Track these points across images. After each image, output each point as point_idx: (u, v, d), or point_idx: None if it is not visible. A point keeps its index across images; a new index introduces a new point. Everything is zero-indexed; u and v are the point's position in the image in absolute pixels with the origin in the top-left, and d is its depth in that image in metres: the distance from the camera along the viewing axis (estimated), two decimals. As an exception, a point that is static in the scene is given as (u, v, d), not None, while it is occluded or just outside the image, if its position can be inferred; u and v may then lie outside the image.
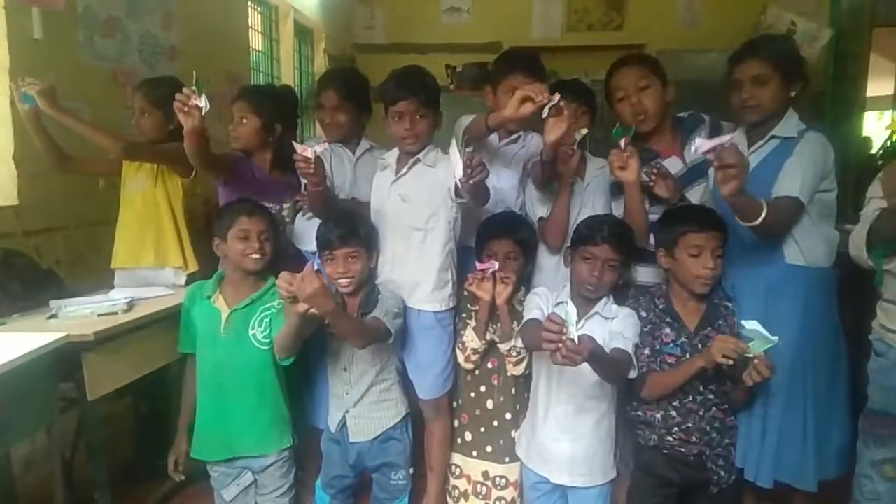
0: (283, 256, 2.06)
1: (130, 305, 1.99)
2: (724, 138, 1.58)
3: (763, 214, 1.67)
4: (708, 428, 1.82)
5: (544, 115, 1.78)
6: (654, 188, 2.01)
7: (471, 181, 1.70)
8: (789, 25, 2.28)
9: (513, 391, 2.03)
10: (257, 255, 1.88)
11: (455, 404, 2.13)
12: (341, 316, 1.77)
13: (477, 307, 1.97)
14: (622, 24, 5.67)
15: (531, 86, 1.79)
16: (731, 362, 1.62)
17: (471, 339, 1.98)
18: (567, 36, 5.68)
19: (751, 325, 1.60)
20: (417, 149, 2.02)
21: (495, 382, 2.04)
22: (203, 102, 1.81)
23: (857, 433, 1.73)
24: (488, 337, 1.96)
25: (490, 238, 2.02)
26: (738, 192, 1.57)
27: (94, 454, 1.91)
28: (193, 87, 1.80)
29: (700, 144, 1.59)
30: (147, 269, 2.36)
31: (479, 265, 1.91)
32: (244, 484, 1.92)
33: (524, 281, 2.10)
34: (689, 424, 1.81)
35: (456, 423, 2.12)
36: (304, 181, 2.07)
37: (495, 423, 2.04)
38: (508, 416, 2.03)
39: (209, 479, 1.96)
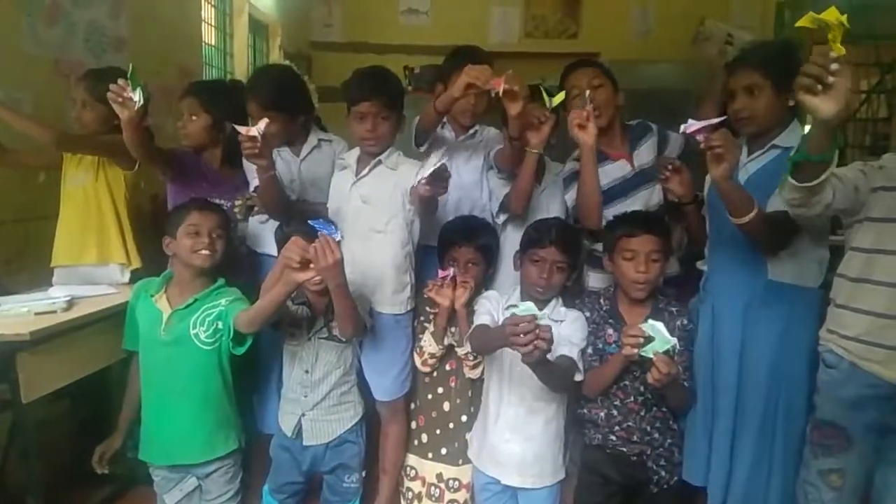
0: (234, 256, 2.01)
1: (70, 304, 1.92)
2: (713, 120, 1.60)
3: (753, 212, 1.64)
4: (649, 428, 1.86)
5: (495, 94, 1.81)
6: (667, 183, 1.95)
7: (428, 186, 1.70)
8: (726, 38, 2.34)
9: (469, 394, 2.04)
10: (207, 252, 1.82)
11: (413, 405, 2.13)
12: (347, 296, 1.71)
13: (436, 311, 1.97)
14: (577, 33, 5.77)
15: (475, 70, 1.81)
16: (634, 352, 1.63)
17: (429, 343, 1.98)
18: (524, 42, 5.75)
19: (649, 325, 1.63)
20: (379, 150, 2.01)
21: (453, 385, 2.05)
22: (136, 96, 1.76)
23: None
24: (446, 342, 1.97)
25: (452, 244, 2.03)
26: (726, 174, 1.57)
27: (28, 458, 1.83)
28: (127, 80, 1.75)
29: (689, 125, 1.60)
30: (89, 266, 2.28)
31: (440, 272, 1.92)
32: (187, 489, 1.87)
33: (486, 284, 2.11)
34: (630, 423, 1.85)
35: (413, 424, 2.12)
36: (252, 181, 2.03)
37: (451, 425, 2.05)
38: (464, 418, 2.04)
39: (153, 483, 1.90)
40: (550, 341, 1.42)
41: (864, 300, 1.54)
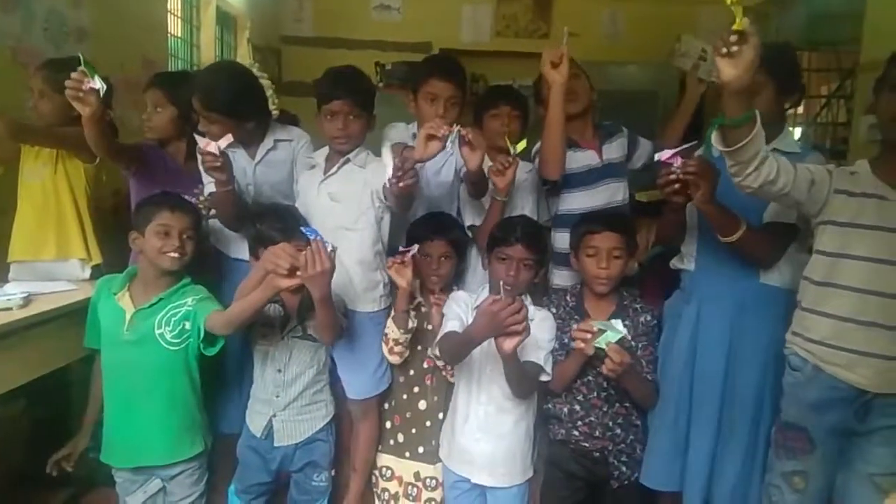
0: (201, 257, 1.95)
1: (27, 300, 1.85)
2: (686, 145, 1.63)
3: (740, 232, 1.65)
4: (611, 423, 1.88)
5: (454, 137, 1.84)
6: (688, 181, 1.63)
7: (400, 184, 1.70)
8: (700, 53, 2.38)
9: (445, 392, 2.04)
10: (176, 255, 1.75)
11: (387, 406, 2.11)
12: (330, 305, 1.68)
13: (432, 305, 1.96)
14: (548, 33, 5.80)
15: (429, 124, 1.83)
16: (582, 345, 1.68)
17: (391, 329, 1.96)
18: (496, 41, 5.76)
19: (599, 323, 1.69)
20: (349, 149, 2.00)
21: (429, 383, 2.05)
22: (98, 84, 1.70)
23: None
24: (410, 325, 1.94)
25: (423, 239, 2.01)
26: (706, 198, 1.58)
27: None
28: (83, 69, 1.69)
29: (662, 154, 1.62)
30: (48, 262, 2.21)
31: (400, 248, 1.89)
32: (151, 491, 1.83)
33: (457, 279, 2.12)
34: (593, 419, 1.88)
35: (388, 424, 2.10)
36: (208, 184, 1.98)
37: (428, 423, 2.04)
38: (441, 416, 2.03)
39: (115, 485, 1.85)
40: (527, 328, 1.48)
41: (828, 304, 1.56)
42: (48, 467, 1.89)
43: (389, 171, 1.70)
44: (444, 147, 1.84)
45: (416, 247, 1.88)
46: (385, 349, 2.01)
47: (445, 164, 2.22)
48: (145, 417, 1.78)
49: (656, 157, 1.65)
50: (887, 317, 1.49)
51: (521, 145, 1.95)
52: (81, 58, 1.70)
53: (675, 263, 1.99)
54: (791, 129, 5.85)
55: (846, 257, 1.53)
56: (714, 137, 1.45)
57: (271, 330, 1.88)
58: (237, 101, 1.99)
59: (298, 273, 1.54)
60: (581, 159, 2.19)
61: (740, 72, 1.28)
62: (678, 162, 1.58)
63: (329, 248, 1.55)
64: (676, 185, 1.61)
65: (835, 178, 1.57)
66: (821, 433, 1.58)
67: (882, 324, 1.49)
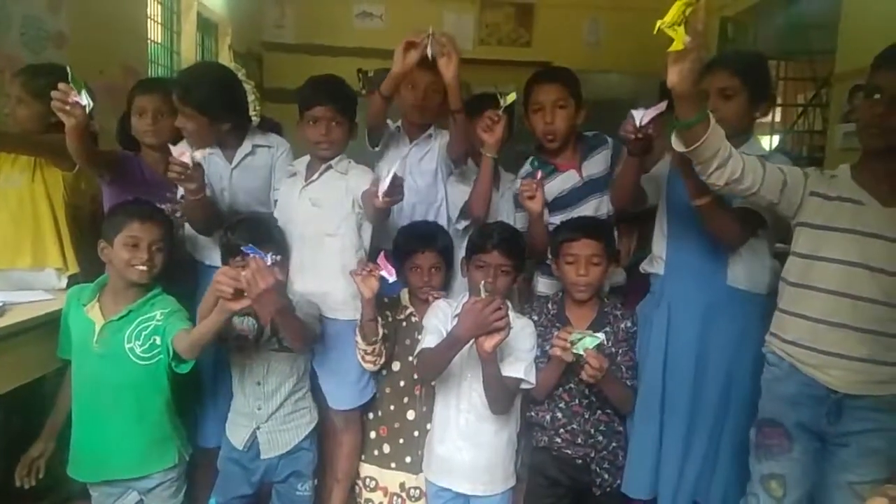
0: (175, 261, 1.92)
1: (2, 310, 1.81)
2: (661, 105, 1.64)
3: (711, 196, 1.65)
4: (593, 430, 1.89)
5: (430, 55, 1.90)
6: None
7: (386, 198, 1.70)
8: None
9: (434, 402, 2.00)
10: (144, 267, 1.72)
11: (372, 416, 2.08)
12: (288, 316, 1.66)
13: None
14: (530, 41, 5.85)
15: (408, 35, 1.90)
16: (558, 352, 1.72)
17: (359, 339, 1.93)
18: (478, 49, 5.79)
19: (577, 333, 1.71)
20: (332, 155, 1.99)
21: (418, 393, 2.03)
22: (85, 100, 1.67)
23: None
24: (375, 337, 1.91)
25: (413, 251, 2.00)
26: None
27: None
28: (70, 83, 1.66)
29: (641, 115, 1.65)
30: (23, 271, 2.17)
31: (381, 259, 1.80)
32: (128, 504, 1.80)
33: (444, 288, 2.10)
34: (575, 426, 1.88)
35: (373, 434, 2.07)
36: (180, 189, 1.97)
37: (416, 433, 2.02)
38: (429, 426, 2.00)
39: (90, 499, 1.82)
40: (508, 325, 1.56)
41: (802, 305, 1.59)
42: (17, 481, 1.84)
43: (384, 186, 1.69)
44: (420, 55, 1.91)
45: (392, 273, 1.78)
46: (357, 356, 1.99)
47: (428, 152, 2.24)
48: (113, 430, 1.74)
49: (636, 119, 1.67)
50: (858, 319, 1.51)
51: (511, 97, 1.92)
52: (70, 72, 1.68)
53: (644, 267, 2.01)
54: (770, 136, 5.97)
55: (820, 259, 1.56)
56: (673, 140, 1.50)
57: (246, 343, 1.86)
58: (215, 97, 1.98)
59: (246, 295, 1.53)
60: (561, 183, 2.17)
61: (682, 79, 1.35)
62: (650, 116, 1.63)
63: (270, 262, 1.53)
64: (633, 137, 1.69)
65: (810, 181, 1.59)
66: (796, 429, 1.59)
67: (853, 326, 1.52)
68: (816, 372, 1.56)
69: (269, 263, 1.52)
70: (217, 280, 1.54)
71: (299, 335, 1.74)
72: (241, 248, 1.61)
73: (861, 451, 1.54)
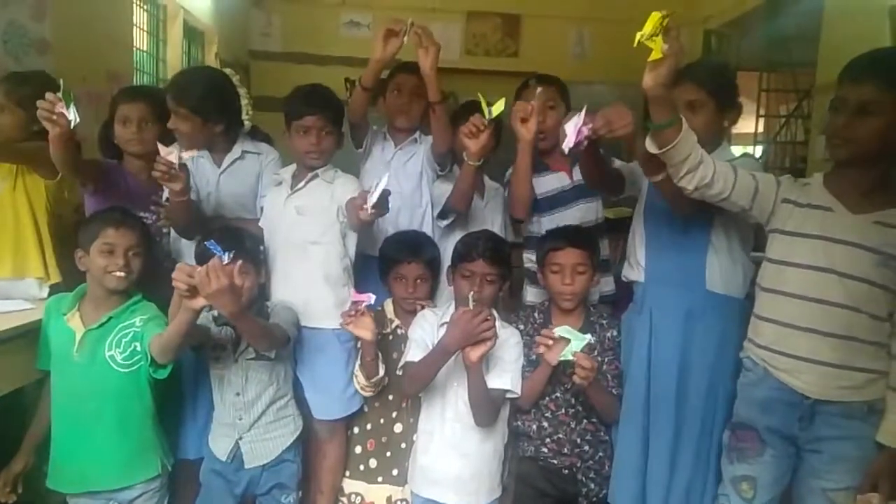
0: (157, 271, 1.90)
1: (-19, 320, 1.79)
2: (577, 119, 1.61)
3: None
4: (579, 440, 1.89)
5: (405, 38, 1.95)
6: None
7: (373, 210, 1.70)
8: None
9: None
10: (121, 273, 1.71)
11: (357, 430, 2.06)
12: (245, 318, 1.64)
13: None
14: (517, 52, 5.88)
15: (390, 22, 1.95)
16: (543, 350, 1.71)
17: (359, 376, 1.92)
18: (465, 59, 5.80)
19: (562, 329, 1.70)
20: (320, 164, 2.00)
21: (404, 405, 2.02)
22: (72, 115, 1.66)
23: None
24: (377, 377, 1.89)
25: (400, 262, 2.00)
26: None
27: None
28: (59, 95, 1.65)
29: (567, 140, 1.62)
30: (3, 281, 2.13)
31: (354, 296, 1.77)
32: (109, 516, 1.76)
33: (430, 298, 2.10)
34: (561, 435, 1.89)
35: (359, 449, 2.05)
36: (166, 190, 1.95)
37: (403, 445, 2.01)
38: (416, 438, 1.99)
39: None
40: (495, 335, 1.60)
41: (774, 310, 1.61)
42: None
43: (373, 199, 1.68)
44: (402, 44, 1.98)
45: (371, 297, 1.76)
46: (357, 385, 1.97)
47: (413, 156, 2.27)
48: (94, 441, 1.72)
49: (564, 149, 1.65)
50: (827, 324, 1.54)
51: (498, 107, 1.87)
52: (62, 85, 1.67)
53: (625, 275, 2.01)
54: (753, 147, 6.04)
55: (791, 265, 1.59)
56: (648, 142, 1.53)
57: (223, 353, 1.84)
58: (208, 99, 2.01)
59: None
60: (551, 182, 2.21)
61: (656, 83, 1.39)
62: (584, 134, 1.61)
63: (226, 259, 1.51)
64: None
65: (783, 188, 1.62)
66: (768, 434, 1.61)
67: (822, 331, 1.54)
68: (788, 377, 1.58)
69: (225, 262, 1.50)
70: (173, 276, 1.52)
71: (261, 337, 1.72)
72: (205, 243, 1.61)
73: (833, 458, 1.56)
